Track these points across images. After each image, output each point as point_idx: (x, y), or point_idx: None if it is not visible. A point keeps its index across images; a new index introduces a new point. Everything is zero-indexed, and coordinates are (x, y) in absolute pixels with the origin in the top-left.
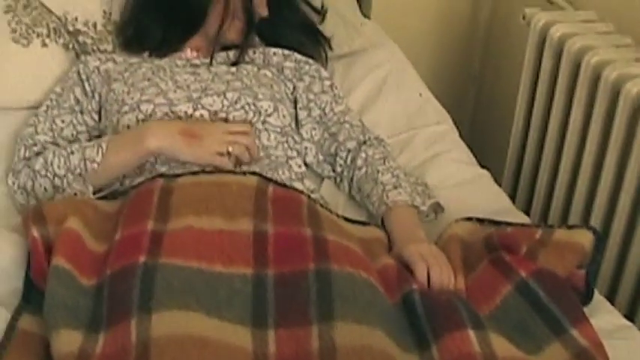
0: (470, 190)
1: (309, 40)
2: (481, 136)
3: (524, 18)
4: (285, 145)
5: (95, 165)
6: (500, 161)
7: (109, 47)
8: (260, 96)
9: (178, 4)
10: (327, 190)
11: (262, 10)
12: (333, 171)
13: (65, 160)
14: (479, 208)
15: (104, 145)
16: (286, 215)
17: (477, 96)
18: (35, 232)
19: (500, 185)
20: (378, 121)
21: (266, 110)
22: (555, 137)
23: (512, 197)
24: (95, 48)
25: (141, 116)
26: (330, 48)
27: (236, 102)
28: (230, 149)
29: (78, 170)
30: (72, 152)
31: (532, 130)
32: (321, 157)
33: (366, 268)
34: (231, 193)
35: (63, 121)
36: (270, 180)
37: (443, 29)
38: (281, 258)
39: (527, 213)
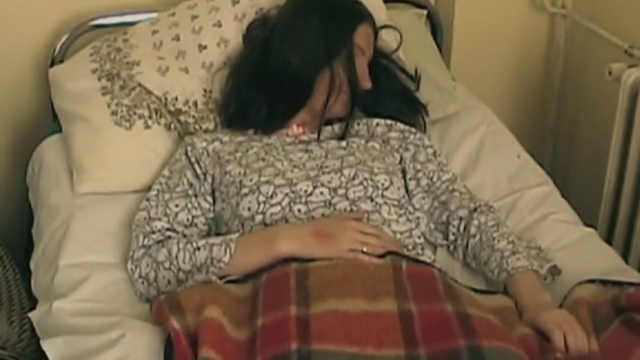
0: (582, 251)
1: (408, 108)
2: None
3: (610, 74)
4: (404, 218)
5: (222, 264)
6: (580, 204)
7: (211, 126)
8: (375, 170)
9: (284, 80)
10: (442, 259)
11: (366, 83)
12: (446, 239)
13: (191, 256)
14: (594, 268)
15: (232, 246)
16: (425, 292)
17: (554, 150)
18: (175, 324)
19: None
20: (481, 185)
21: (383, 184)
22: None
23: None
24: (197, 127)
25: (262, 198)
26: (427, 114)
27: (353, 178)
28: (364, 249)
29: (205, 268)
30: (198, 248)
31: (625, 187)
32: (432, 226)
33: (513, 341)
34: (369, 274)
35: (177, 206)
36: (402, 256)
37: (518, 86)
38: (430, 337)
39: None
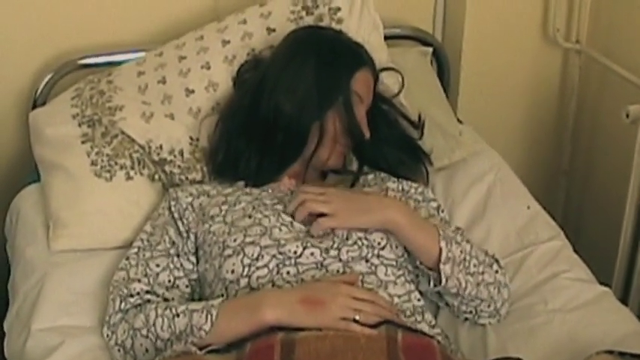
0: (596, 312)
1: (410, 158)
2: (574, 228)
3: (627, 116)
4: (403, 279)
5: (203, 333)
6: (595, 251)
7: (198, 176)
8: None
9: (276, 129)
10: (445, 321)
11: (365, 132)
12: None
13: (170, 322)
14: (609, 331)
15: (214, 312)
16: None
17: (568, 192)
18: None
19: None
20: (488, 240)
21: (379, 243)
22: None
23: None
24: (183, 178)
25: (247, 260)
26: (431, 164)
27: (347, 238)
28: (357, 317)
29: (184, 336)
30: (177, 314)
31: None
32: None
33: None
34: (360, 348)
35: (158, 266)
36: (398, 325)
37: (529, 125)
38: None
39: None
